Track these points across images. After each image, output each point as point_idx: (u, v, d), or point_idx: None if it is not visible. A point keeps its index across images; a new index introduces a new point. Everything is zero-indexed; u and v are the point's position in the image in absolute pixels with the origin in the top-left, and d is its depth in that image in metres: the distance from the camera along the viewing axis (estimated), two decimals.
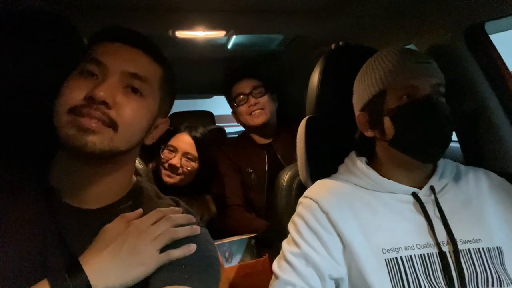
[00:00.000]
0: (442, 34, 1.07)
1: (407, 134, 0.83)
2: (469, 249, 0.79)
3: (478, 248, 0.80)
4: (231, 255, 1.43)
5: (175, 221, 0.68)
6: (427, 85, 0.82)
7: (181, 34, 1.46)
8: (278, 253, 0.86)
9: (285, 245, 0.86)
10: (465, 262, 0.78)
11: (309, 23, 1.42)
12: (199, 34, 1.47)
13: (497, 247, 0.80)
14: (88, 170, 0.68)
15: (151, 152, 1.51)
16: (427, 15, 1.09)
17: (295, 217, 0.88)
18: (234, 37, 1.72)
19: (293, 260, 0.80)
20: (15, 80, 0.68)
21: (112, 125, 0.64)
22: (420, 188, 0.87)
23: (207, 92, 2.97)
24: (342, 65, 1.05)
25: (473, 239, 0.80)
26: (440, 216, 0.82)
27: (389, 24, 1.26)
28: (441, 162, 0.91)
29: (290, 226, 0.88)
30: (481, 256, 0.79)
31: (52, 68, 0.69)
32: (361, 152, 0.96)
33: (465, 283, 0.76)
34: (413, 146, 0.84)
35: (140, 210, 0.69)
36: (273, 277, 0.83)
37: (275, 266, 0.84)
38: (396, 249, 0.79)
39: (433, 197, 0.85)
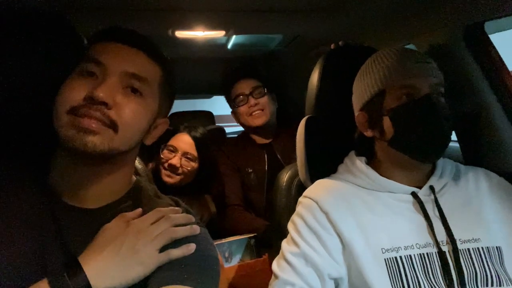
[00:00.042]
0: (441, 34, 1.07)
1: (406, 134, 0.83)
2: (468, 249, 0.79)
3: (478, 248, 0.80)
4: (231, 255, 1.43)
5: (174, 221, 0.68)
6: (427, 85, 0.82)
7: (181, 34, 1.46)
8: (278, 253, 0.86)
9: (285, 245, 0.86)
10: (464, 262, 0.78)
11: (309, 23, 1.42)
12: (199, 34, 1.47)
13: (496, 247, 0.80)
14: (87, 170, 0.68)
15: (151, 152, 1.52)
16: (427, 15, 1.09)
17: (294, 217, 0.88)
18: (233, 37, 1.72)
19: (293, 259, 0.81)
20: (15, 80, 0.68)
21: (112, 125, 0.64)
22: (420, 187, 0.87)
23: (207, 92, 2.97)
24: (341, 65, 1.05)
25: (473, 239, 0.80)
26: (440, 215, 0.82)
27: (389, 24, 1.26)
28: (441, 162, 0.91)
29: (290, 226, 0.88)
30: (480, 256, 0.79)
31: (52, 68, 0.69)
32: (360, 152, 0.96)
33: (465, 283, 0.76)
34: (412, 146, 0.84)
35: (140, 209, 0.69)
36: (272, 276, 0.83)
37: (274, 266, 0.84)
38: (396, 249, 0.79)
39: (432, 196, 0.85)
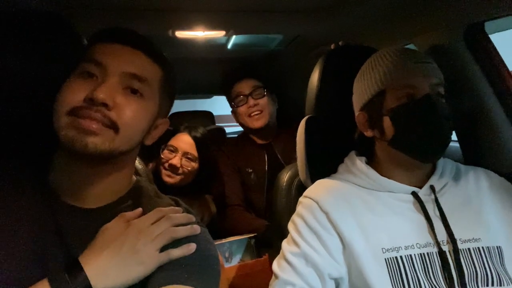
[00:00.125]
0: (441, 34, 1.07)
1: (406, 133, 0.83)
2: (469, 248, 0.79)
3: (478, 248, 0.80)
4: (231, 255, 1.43)
5: (175, 221, 0.68)
6: (427, 85, 0.82)
7: (181, 34, 1.46)
8: (278, 253, 0.86)
9: (285, 245, 0.86)
10: (465, 261, 0.78)
11: (309, 23, 1.42)
12: (199, 34, 1.47)
13: (496, 247, 0.80)
14: (87, 171, 0.68)
15: (151, 152, 1.52)
16: (427, 15, 1.09)
17: (295, 217, 0.88)
18: (233, 37, 1.72)
19: (293, 260, 0.81)
20: (15, 80, 0.68)
21: (113, 126, 0.64)
22: (420, 187, 0.87)
23: (207, 92, 2.97)
24: (341, 65, 1.05)
25: (473, 239, 0.81)
26: (440, 215, 0.82)
27: (389, 24, 1.26)
28: (441, 162, 0.91)
29: (290, 226, 0.88)
30: (481, 255, 0.79)
31: (52, 68, 0.69)
32: (360, 152, 0.96)
33: (465, 282, 0.76)
34: (412, 145, 0.84)
35: (140, 209, 0.69)
36: (273, 277, 0.83)
37: (275, 266, 0.84)
38: (396, 249, 0.79)
39: (433, 196, 0.85)
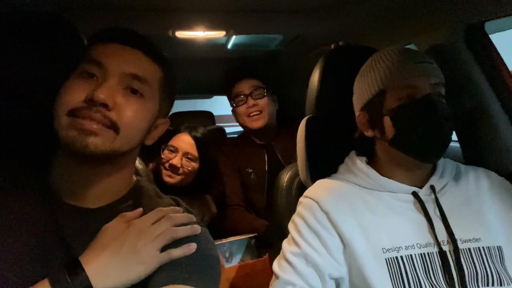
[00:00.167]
0: (441, 34, 1.07)
1: (407, 133, 0.83)
2: (469, 248, 0.79)
3: (478, 247, 0.80)
4: (231, 255, 1.43)
5: (175, 221, 0.68)
6: (427, 85, 0.82)
7: (181, 34, 1.46)
8: (278, 253, 0.86)
9: (285, 245, 0.86)
10: (465, 261, 0.78)
11: (309, 23, 1.42)
12: (199, 34, 1.47)
13: (497, 246, 0.80)
14: (88, 171, 0.68)
15: (151, 152, 1.52)
16: (427, 15, 1.09)
17: (295, 217, 0.88)
18: (233, 37, 1.72)
19: (294, 260, 0.81)
20: (15, 80, 0.68)
21: (113, 127, 0.64)
22: (420, 187, 0.87)
23: (207, 92, 2.97)
24: (342, 65, 1.05)
25: (473, 238, 0.81)
26: (440, 215, 0.83)
27: (389, 24, 1.26)
28: (441, 162, 0.91)
29: (290, 226, 0.88)
30: (481, 255, 0.79)
31: (52, 68, 0.69)
32: (361, 152, 0.96)
33: (465, 282, 0.76)
34: (413, 145, 0.84)
35: (140, 209, 0.69)
36: (273, 277, 0.83)
37: (275, 266, 0.84)
38: (396, 249, 0.79)
39: (433, 196, 0.85)
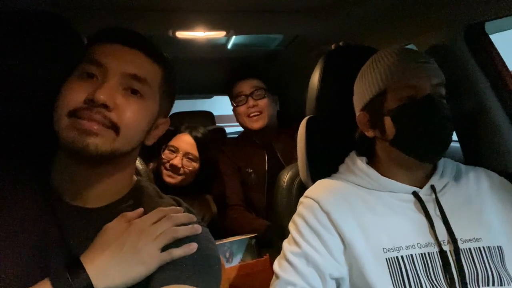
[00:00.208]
0: (442, 34, 1.07)
1: (407, 134, 0.83)
2: (469, 248, 0.79)
3: (479, 247, 0.80)
4: (232, 255, 1.43)
5: (176, 220, 0.68)
6: (428, 85, 0.82)
7: (181, 34, 1.46)
8: (279, 253, 0.86)
9: (286, 245, 0.86)
10: (465, 261, 0.78)
11: (309, 23, 1.42)
12: (199, 34, 1.47)
13: (497, 246, 0.80)
14: (88, 171, 0.68)
15: (151, 152, 1.52)
16: (427, 15, 1.09)
17: (295, 217, 0.88)
18: (234, 37, 1.72)
19: (294, 260, 0.80)
20: (15, 80, 0.68)
21: (113, 127, 0.64)
22: (421, 187, 0.87)
23: (207, 92, 2.97)
24: (342, 65, 1.05)
25: (474, 238, 0.81)
26: (441, 215, 0.83)
27: (389, 24, 1.26)
28: (442, 162, 0.91)
29: (291, 226, 0.88)
30: (481, 255, 0.79)
31: (52, 68, 0.69)
32: (361, 152, 0.96)
33: (466, 282, 0.76)
34: (413, 146, 0.84)
35: (141, 209, 0.69)
36: (274, 277, 0.83)
37: (275, 266, 0.84)
38: (397, 248, 0.79)
39: (433, 196, 0.85)
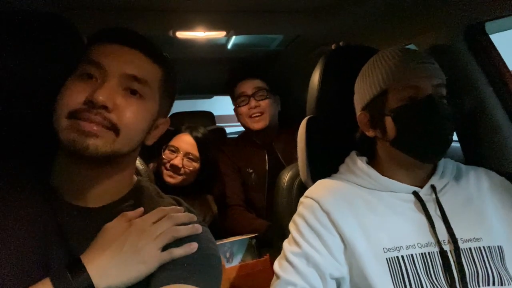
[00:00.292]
0: (442, 34, 1.07)
1: (408, 134, 0.83)
2: (470, 248, 0.79)
3: (479, 247, 0.80)
4: (232, 255, 1.43)
5: (176, 220, 0.68)
6: (429, 85, 0.82)
7: (181, 34, 1.46)
8: (279, 253, 0.86)
9: (286, 245, 0.86)
10: (466, 261, 0.78)
11: (309, 23, 1.42)
12: (200, 34, 1.47)
13: (497, 246, 0.80)
14: (89, 172, 0.68)
15: (152, 152, 1.52)
16: (427, 15, 1.09)
17: (296, 217, 0.88)
18: (234, 37, 1.72)
19: (294, 260, 0.80)
20: (15, 80, 0.68)
21: (113, 128, 0.64)
22: (421, 187, 0.87)
23: (207, 92, 2.97)
24: (342, 65, 1.05)
25: (474, 238, 0.81)
26: (441, 215, 0.83)
27: (389, 24, 1.26)
28: (442, 162, 0.91)
29: (291, 226, 0.88)
30: (482, 255, 0.79)
31: (52, 68, 0.69)
32: (361, 152, 0.96)
33: (466, 282, 0.76)
34: (414, 146, 0.84)
35: (141, 209, 0.69)
36: (274, 277, 0.83)
37: (276, 266, 0.84)
38: (397, 248, 0.79)
39: (434, 196, 0.85)
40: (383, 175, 0.88)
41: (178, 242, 0.65)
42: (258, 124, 1.70)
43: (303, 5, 1.30)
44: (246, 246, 1.46)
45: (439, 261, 0.78)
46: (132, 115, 0.66)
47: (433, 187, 0.86)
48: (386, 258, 0.78)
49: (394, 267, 0.77)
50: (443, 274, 0.77)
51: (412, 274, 0.77)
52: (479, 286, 0.76)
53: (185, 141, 1.52)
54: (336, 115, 1.02)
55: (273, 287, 0.81)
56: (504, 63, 1.04)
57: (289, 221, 0.90)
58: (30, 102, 0.69)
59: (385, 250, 0.79)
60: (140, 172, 1.08)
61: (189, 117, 2.44)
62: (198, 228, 0.69)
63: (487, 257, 0.79)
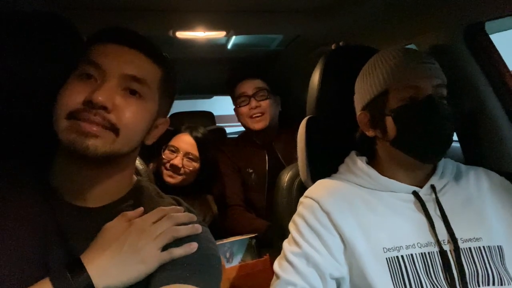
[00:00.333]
0: (442, 34, 1.07)
1: (409, 134, 0.83)
2: (469, 248, 0.80)
3: (479, 247, 0.80)
4: (232, 255, 1.43)
5: (176, 220, 0.68)
6: (429, 86, 0.82)
7: (181, 34, 1.46)
8: (279, 253, 0.86)
9: (286, 245, 0.86)
10: (465, 261, 0.78)
11: (309, 23, 1.42)
12: (199, 34, 1.47)
13: (497, 246, 0.80)
14: (89, 172, 0.68)
15: (152, 152, 1.52)
16: (427, 15, 1.09)
17: (295, 217, 0.88)
18: (233, 37, 1.72)
19: (294, 260, 0.80)
20: (15, 80, 0.68)
21: (113, 128, 0.64)
22: (421, 187, 0.87)
23: (207, 92, 2.97)
24: (342, 65, 1.05)
25: (474, 238, 0.81)
26: (441, 215, 0.83)
27: (389, 24, 1.26)
28: (442, 162, 0.91)
29: (291, 226, 0.88)
30: (481, 255, 0.79)
31: (52, 68, 0.69)
32: (361, 152, 0.96)
33: (466, 281, 0.76)
34: (414, 146, 0.84)
35: (141, 208, 0.69)
36: (274, 277, 0.83)
37: (276, 266, 0.84)
38: (397, 248, 0.79)
39: (433, 196, 0.85)
40: (383, 175, 0.88)
41: (178, 242, 0.65)
42: (258, 125, 1.70)
43: (303, 5, 1.30)
44: (246, 246, 1.46)
45: (439, 261, 0.78)
46: (131, 115, 0.66)
47: (432, 187, 0.86)
48: (386, 258, 0.78)
49: (394, 267, 0.77)
50: (443, 274, 0.78)
51: (412, 274, 0.77)
52: (479, 286, 0.76)
53: (185, 141, 1.52)
54: (336, 115, 1.02)
55: (273, 287, 0.81)
56: (504, 63, 1.04)
57: (289, 221, 0.90)
58: (30, 102, 0.69)
59: (385, 250, 0.79)
60: (140, 172, 1.08)
61: (189, 117, 2.44)
62: (198, 228, 0.69)
63: (487, 257, 0.79)
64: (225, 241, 1.43)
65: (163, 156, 1.50)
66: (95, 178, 0.68)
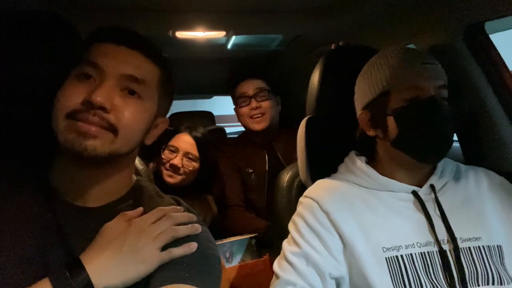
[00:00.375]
0: (442, 34, 1.07)
1: (410, 134, 0.83)
2: (469, 247, 0.80)
3: (479, 246, 0.80)
4: (232, 255, 1.43)
5: (176, 220, 0.68)
6: (431, 87, 0.82)
7: (181, 34, 1.46)
8: (279, 253, 0.86)
9: (286, 245, 0.86)
10: (465, 260, 0.78)
11: (309, 23, 1.42)
12: (199, 34, 1.47)
13: (497, 246, 0.80)
14: (88, 172, 0.68)
15: (151, 152, 1.52)
16: (427, 15, 1.09)
17: (295, 217, 0.88)
18: (233, 37, 1.72)
19: (294, 259, 0.80)
20: (15, 80, 0.68)
21: (112, 129, 0.64)
22: (420, 186, 0.87)
23: (207, 92, 2.97)
24: (342, 65, 1.05)
25: (473, 237, 0.81)
26: (440, 214, 0.83)
27: (389, 24, 1.26)
28: (441, 162, 0.91)
29: (291, 226, 0.88)
30: (481, 254, 0.79)
31: (52, 68, 0.69)
32: (361, 152, 0.96)
33: (466, 281, 0.76)
34: (415, 146, 0.84)
35: (141, 208, 0.69)
36: (274, 277, 0.83)
37: (275, 266, 0.84)
38: (397, 248, 0.79)
39: (433, 195, 0.85)
40: (382, 175, 0.88)
41: (178, 242, 0.65)
42: (259, 125, 1.70)
43: (303, 5, 1.30)
44: (246, 246, 1.46)
45: (439, 261, 0.78)
46: (130, 116, 0.66)
47: (432, 187, 0.86)
48: (386, 258, 0.78)
49: (394, 266, 0.78)
50: (442, 274, 0.78)
51: (412, 274, 0.77)
52: (478, 285, 0.76)
53: (185, 141, 1.52)
54: (336, 115, 1.02)
55: (273, 287, 0.81)
56: (504, 63, 1.04)
57: (288, 221, 0.90)
58: (30, 102, 0.69)
59: (385, 249, 0.79)
60: (139, 172, 1.07)
61: (189, 117, 2.44)
62: (197, 228, 0.69)
63: (486, 256, 0.79)
64: (225, 241, 1.43)
65: (163, 156, 1.50)
66: (94, 178, 0.68)
